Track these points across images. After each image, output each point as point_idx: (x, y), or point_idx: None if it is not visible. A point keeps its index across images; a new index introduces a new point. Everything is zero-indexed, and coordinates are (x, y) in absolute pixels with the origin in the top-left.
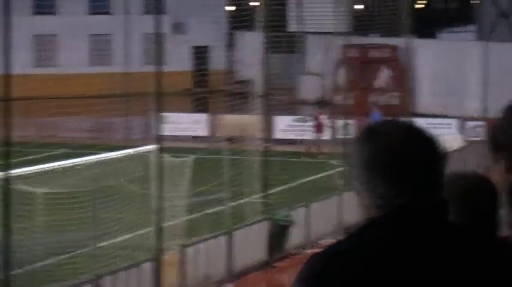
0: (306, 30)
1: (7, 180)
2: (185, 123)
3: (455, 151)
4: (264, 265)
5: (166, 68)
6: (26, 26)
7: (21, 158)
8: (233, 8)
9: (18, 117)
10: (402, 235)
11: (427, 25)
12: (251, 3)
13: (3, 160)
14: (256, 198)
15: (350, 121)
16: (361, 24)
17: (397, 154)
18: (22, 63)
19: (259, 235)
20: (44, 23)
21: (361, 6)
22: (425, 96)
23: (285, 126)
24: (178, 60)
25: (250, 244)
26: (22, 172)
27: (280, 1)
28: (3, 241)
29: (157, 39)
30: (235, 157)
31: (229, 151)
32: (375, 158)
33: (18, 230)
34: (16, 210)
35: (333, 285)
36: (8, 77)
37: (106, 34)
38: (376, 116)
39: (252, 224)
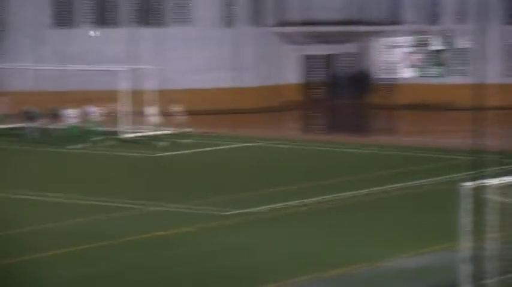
0: None
1: (480, 189)
2: None
3: None
4: None
5: None
6: (499, 36)
7: (494, 168)
8: None
9: (491, 127)
10: None
11: None
12: None
13: (476, 170)
14: None
15: None
16: None
17: None
18: (495, 72)
19: None
20: None
21: None
22: None
23: None
24: None
25: None
26: (495, 182)
27: None
28: (475, 250)
29: None
30: None
31: None
32: None
33: (487, 241)
34: (485, 220)
35: None
36: (482, 86)
37: None
38: None
39: None
